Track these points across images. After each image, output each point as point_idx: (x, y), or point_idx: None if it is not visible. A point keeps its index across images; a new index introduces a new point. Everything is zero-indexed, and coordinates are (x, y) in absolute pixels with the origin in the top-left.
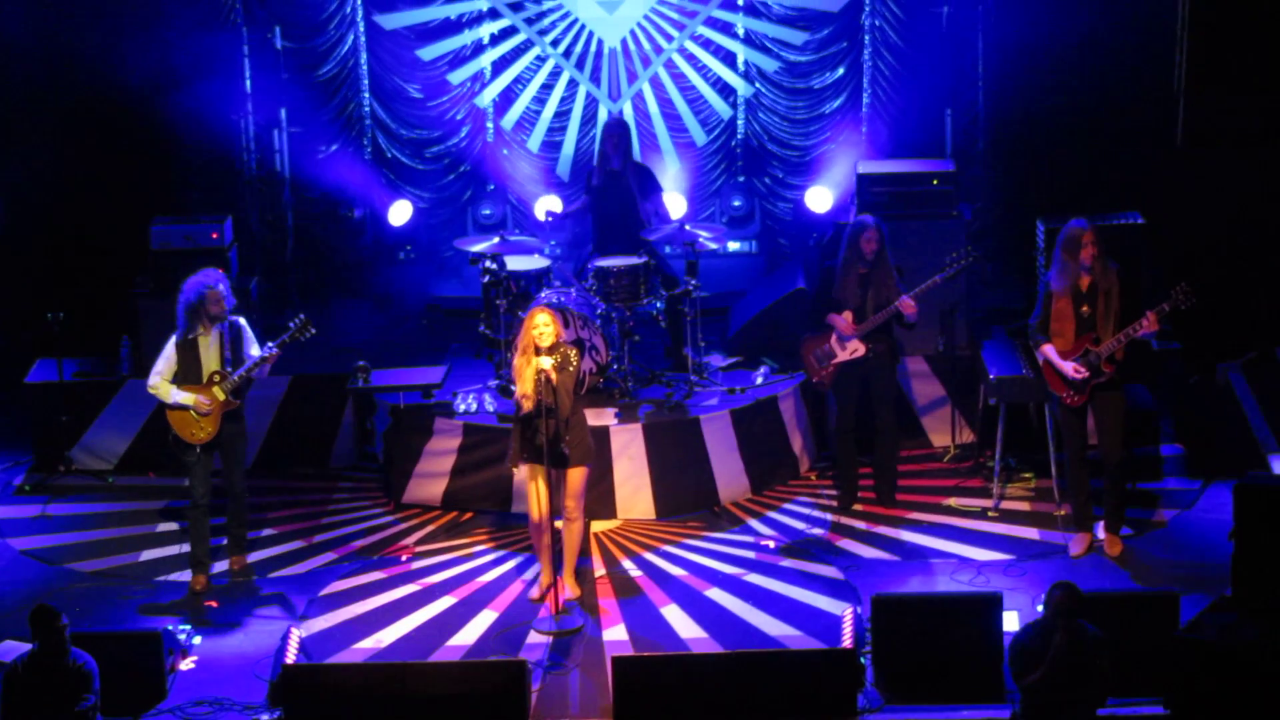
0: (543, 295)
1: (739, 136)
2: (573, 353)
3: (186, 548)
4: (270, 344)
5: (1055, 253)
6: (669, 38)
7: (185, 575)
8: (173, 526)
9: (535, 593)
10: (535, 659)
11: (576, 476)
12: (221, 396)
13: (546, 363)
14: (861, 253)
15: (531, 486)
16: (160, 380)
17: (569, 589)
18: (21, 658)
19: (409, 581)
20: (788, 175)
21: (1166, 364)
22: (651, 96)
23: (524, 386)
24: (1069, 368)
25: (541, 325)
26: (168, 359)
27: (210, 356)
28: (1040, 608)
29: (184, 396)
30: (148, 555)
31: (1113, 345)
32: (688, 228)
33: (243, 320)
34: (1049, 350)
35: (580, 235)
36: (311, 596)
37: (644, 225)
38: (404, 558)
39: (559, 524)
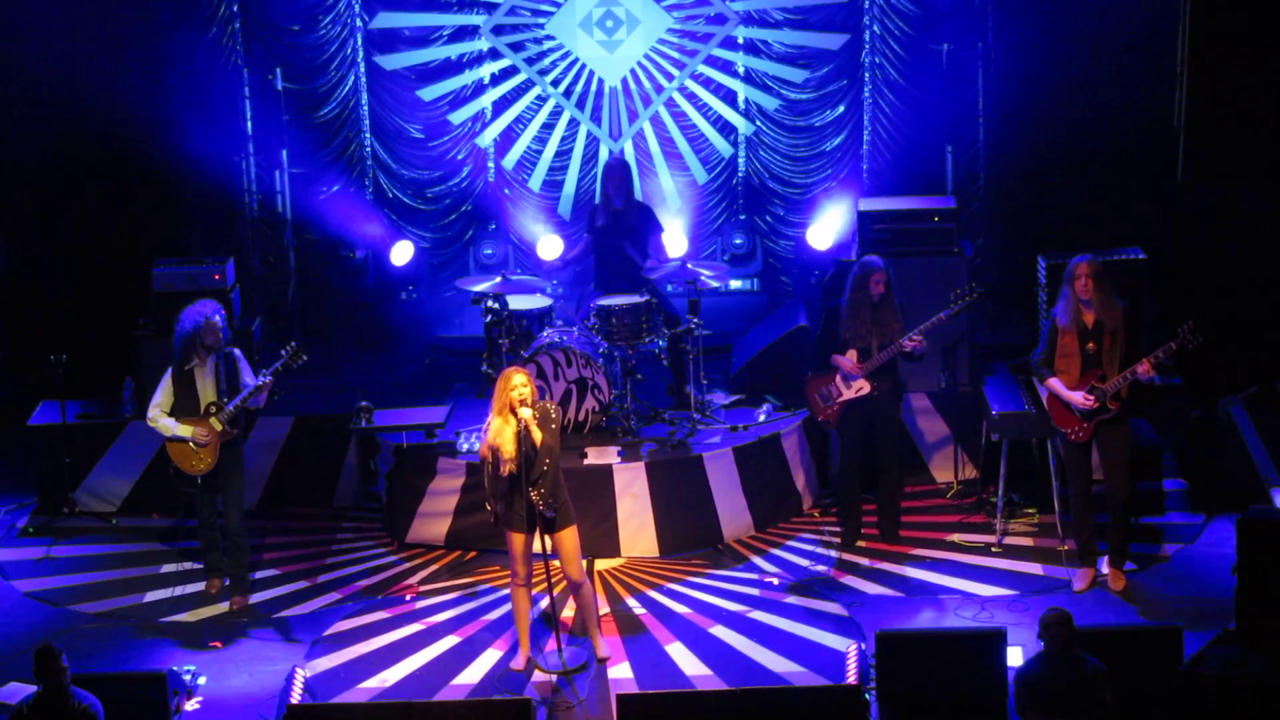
0: (544, 334)
1: (740, 174)
2: (553, 408)
3: (191, 589)
4: (264, 371)
5: (1062, 288)
6: (670, 76)
7: (191, 616)
8: (177, 568)
9: (518, 662)
10: (540, 697)
11: (569, 540)
12: (219, 427)
13: (526, 413)
14: (870, 295)
15: (517, 549)
16: (158, 413)
17: (603, 648)
18: (26, 700)
19: (413, 621)
20: (789, 213)
21: (1169, 399)
22: (652, 135)
23: (506, 448)
24: (1078, 396)
25: (519, 385)
26: (165, 391)
27: (206, 387)
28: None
29: (182, 429)
30: (152, 596)
31: (1119, 383)
32: (689, 266)
33: (238, 351)
34: (1055, 384)
35: (582, 274)
36: (316, 636)
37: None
38: (408, 597)
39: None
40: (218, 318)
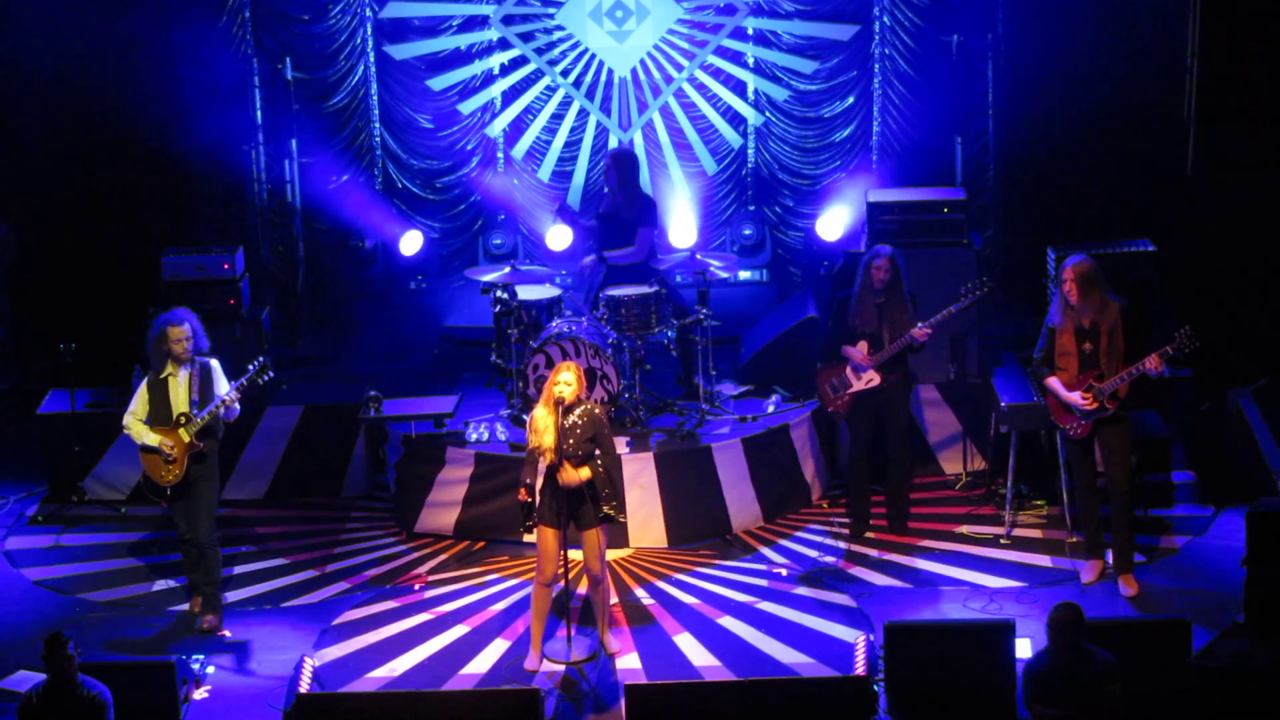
0: (554, 325)
1: (749, 165)
2: (599, 410)
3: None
4: (230, 386)
5: (1057, 288)
6: (679, 67)
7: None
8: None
9: (531, 663)
10: (548, 687)
11: (597, 535)
12: (186, 439)
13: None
14: (872, 281)
15: (547, 546)
16: (132, 420)
17: (612, 643)
18: (35, 688)
19: (422, 610)
20: (798, 204)
21: (1178, 391)
22: (662, 126)
23: (544, 439)
24: (1076, 396)
25: (563, 383)
26: (139, 398)
27: (179, 398)
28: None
29: (154, 439)
30: (161, 585)
31: (1115, 383)
32: (699, 256)
33: (214, 362)
34: (1053, 382)
35: (593, 265)
36: (324, 626)
37: (651, 254)
38: (417, 587)
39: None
40: (185, 325)
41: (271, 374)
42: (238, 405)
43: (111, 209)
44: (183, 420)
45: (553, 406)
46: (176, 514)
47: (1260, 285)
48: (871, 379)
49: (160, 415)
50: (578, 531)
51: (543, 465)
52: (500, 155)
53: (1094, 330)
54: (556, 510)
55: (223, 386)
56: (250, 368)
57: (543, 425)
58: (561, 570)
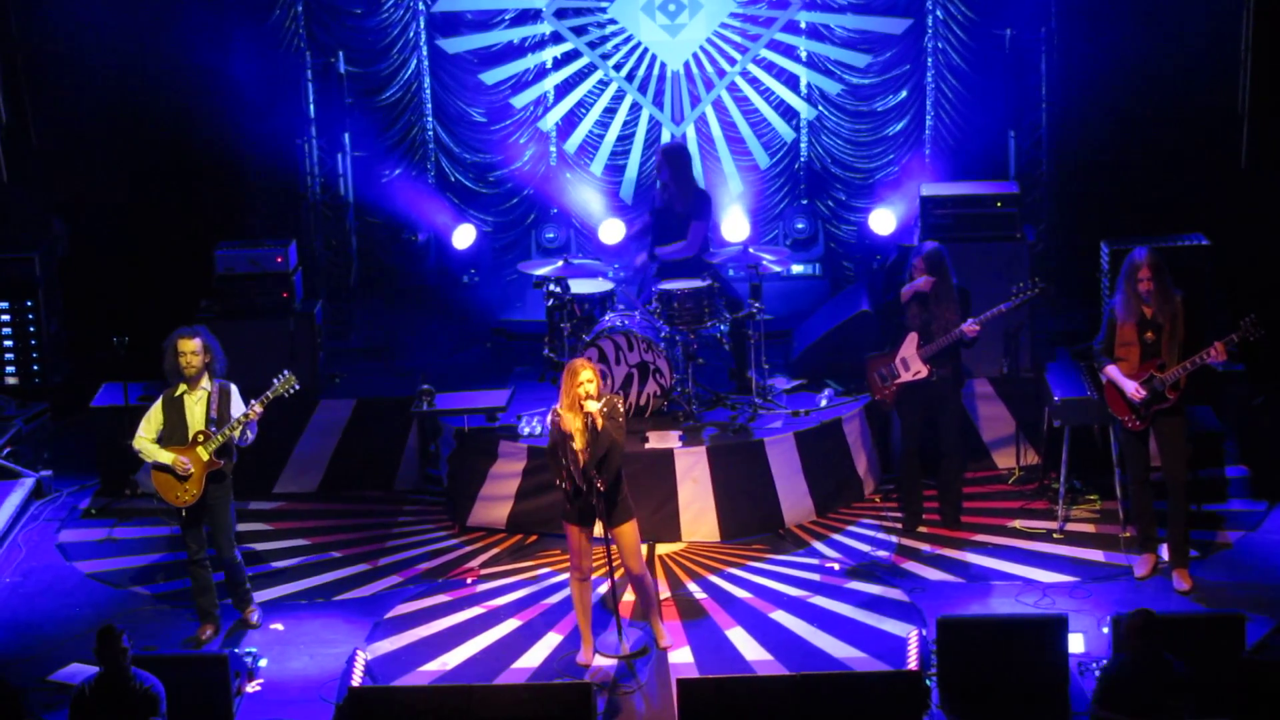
0: (606, 318)
1: (802, 159)
2: (619, 401)
3: (252, 570)
4: (252, 402)
5: (1119, 280)
6: (732, 61)
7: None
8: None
9: (584, 657)
10: (600, 682)
11: (629, 534)
12: (205, 456)
13: (593, 406)
14: (914, 279)
15: (576, 543)
16: (142, 442)
17: (664, 637)
18: (88, 681)
19: (474, 604)
20: (851, 198)
21: (1231, 385)
22: (714, 119)
23: (576, 442)
24: (1130, 387)
25: (586, 382)
26: (151, 418)
27: (196, 416)
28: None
29: (167, 456)
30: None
31: (1177, 373)
32: (751, 250)
33: (233, 385)
34: (1113, 370)
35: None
36: (377, 619)
37: (704, 248)
38: (469, 580)
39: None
40: (197, 340)
41: (297, 387)
42: (255, 426)
43: (164, 203)
44: (201, 438)
45: (579, 410)
46: (189, 535)
47: None
48: (919, 371)
49: (175, 434)
50: (609, 532)
51: (578, 465)
52: (553, 149)
53: (1156, 321)
54: (580, 509)
55: (239, 406)
56: (274, 381)
57: (569, 427)
58: (604, 564)
